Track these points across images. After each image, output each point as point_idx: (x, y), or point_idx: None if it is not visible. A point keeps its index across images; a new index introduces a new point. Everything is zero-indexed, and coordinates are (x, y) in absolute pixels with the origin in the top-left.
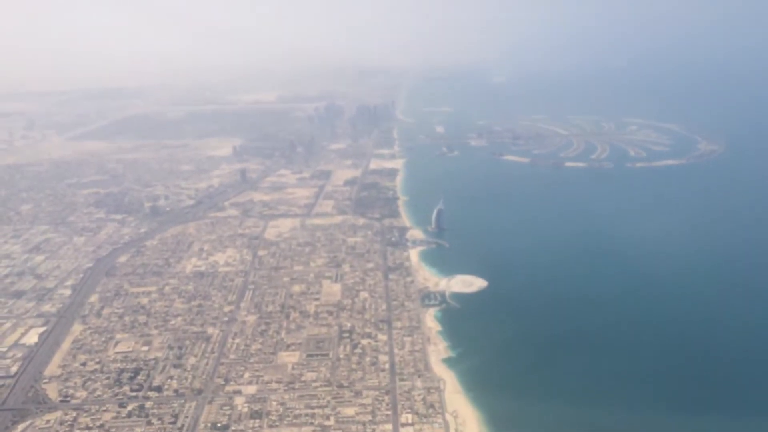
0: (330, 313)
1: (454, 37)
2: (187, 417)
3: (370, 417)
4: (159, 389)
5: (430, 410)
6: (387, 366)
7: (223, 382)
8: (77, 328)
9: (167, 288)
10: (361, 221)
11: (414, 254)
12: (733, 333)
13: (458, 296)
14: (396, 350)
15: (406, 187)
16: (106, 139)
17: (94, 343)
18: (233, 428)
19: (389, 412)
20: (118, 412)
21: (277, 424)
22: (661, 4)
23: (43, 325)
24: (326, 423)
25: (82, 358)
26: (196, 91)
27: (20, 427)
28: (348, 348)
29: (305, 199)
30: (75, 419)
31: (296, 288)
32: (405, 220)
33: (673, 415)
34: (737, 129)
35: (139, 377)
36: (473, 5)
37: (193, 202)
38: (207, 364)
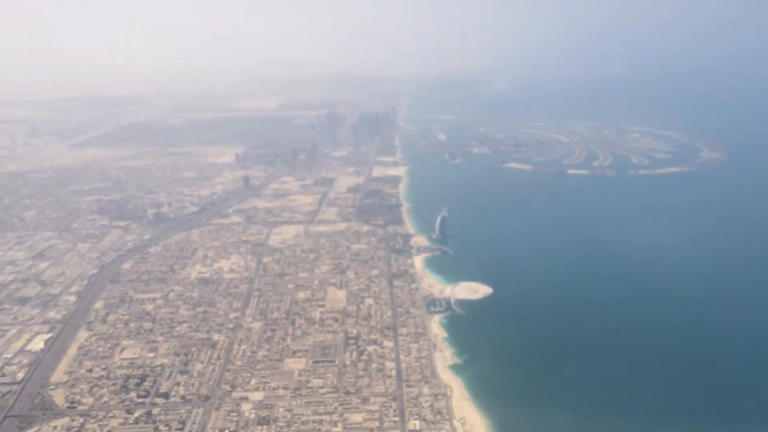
0: (335, 319)
1: (455, 44)
2: (194, 423)
3: (377, 423)
4: (166, 395)
5: (438, 417)
6: (393, 372)
7: (229, 389)
8: (83, 334)
9: (172, 294)
10: (365, 228)
11: (418, 261)
12: (737, 339)
13: (463, 303)
14: (402, 357)
15: (409, 195)
16: (108, 146)
17: (100, 349)
18: None
19: (397, 419)
20: (126, 419)
21: (285, 430)
22: (662, 11)
23: (48, 332)
24: (334, 429)
25: (89, 364)
26: (196, 98)
27: None
28: (354, 354)
29: (308, 206)
30: (82, 425)
31: (301, 294)
32: (409, 227)
33: (679, 423)
34: (738, 136)
35: (146, 383)
36: (474, 12)
37: (197, 209)
38: (213, 370)
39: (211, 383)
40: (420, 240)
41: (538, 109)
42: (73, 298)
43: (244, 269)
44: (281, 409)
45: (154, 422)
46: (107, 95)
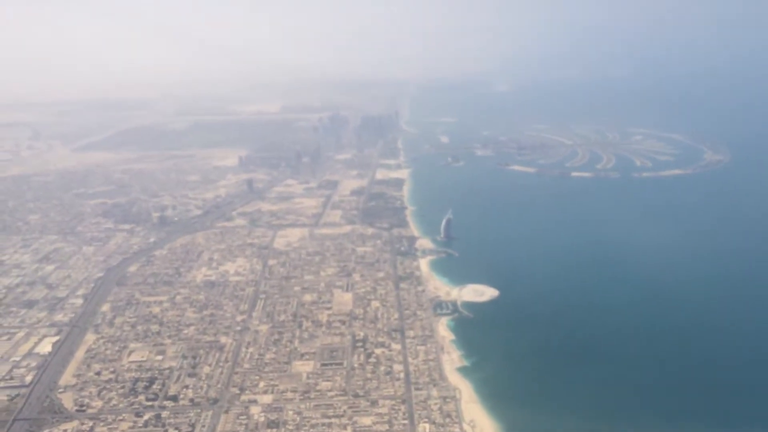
0: (342, 322)
1: (454, 44)
2: (204, 426)
3: (387, 426)
4: (175, 398)
5: (447, 420)
6: (402, 375)
7: (238, 392)
8: (90, 337)
9: (178, 297)
10: (370, 231)
11: (424, 263)
12: (743, 341)
13: (470, 305)
14: (410, 359)
15: (413, 197)
16: (111, 149)
17: (108, 352)
18: None
19: (406, 422)
20: (135, 422)
21: None
22: (663, 12)
23: (56, 335)
24: None
25: (97, 367)
26: (198, 102)
27: None
28: (362, 357)
29: (313, 209)
30: (92, 429)
31: (307, 297)
32: (413, 229)
33: (687, 426)
34: (741, 138)
35: (154, 386)
36: (473, 13)
37: (201, 212)
38: (221, 373)
39: (219, 386)
40: (425, 242)
41: (540, 111)
42: (79, 301)
43: (250, 272)
44: (290, 412)
45: (164, 425)
46: (109, 98)
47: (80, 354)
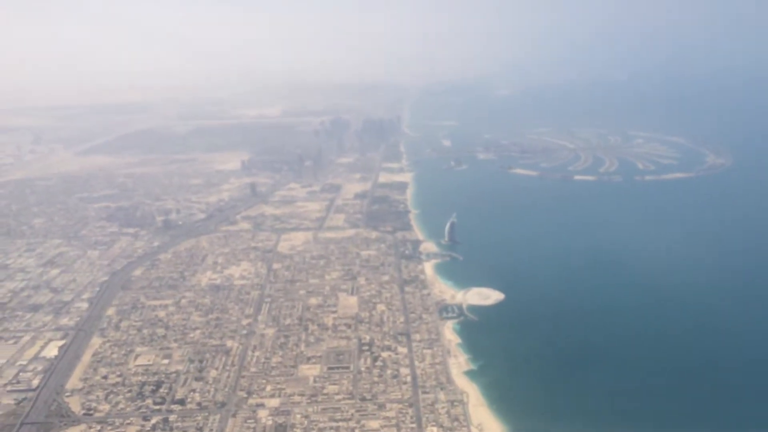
0: (348, 325)
1: (455, 50)
2: (211, 430)
3: (395, 430)
4: (182, 402)
5: (455, 423)
6: (409, 379)
7: (245, 395)
8: (96, 341)
9: (184, 301)
10: (374, 234)
11: (429, 267)
12: (749, 343)
13: (476, 309)
14: (417, 363)
15: (416, 201)
16: (114, 153)
17: (114, 356)
18: None
19: (414, 425)
20: (143, 426)
21: None
22: (662, 14)
23: (62, 338)
24: None
25: (103, 371)
26: (199, 106)
27: None
28: (369, 361)
29: (316, 212)
30: None
31: (313, 301)
32: (417, 233)
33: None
34: (743, 141)
35: (162, 390)
36: (473, 18)
37: (205, 215)
38: (228, 377)
39: (226, 390)
40: (429, 246)
41: (541, 114)
42: (85, 305)
43: (255, 276)
44: (298, 416)
45: (171, 429)
46: (110, 102)
47: (87, 358)
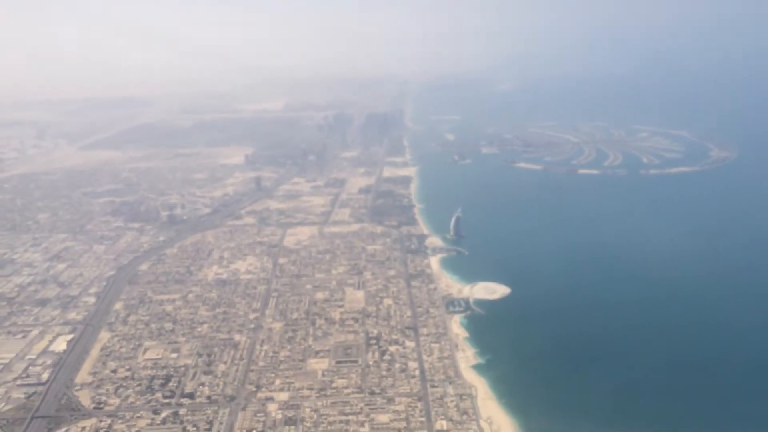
0: (355, 319)
1: (458, 44)
2: (221, 423)
3: (404, 424)
4: (191, 396)
5: (464, 417)
6: (417, 373)
7: (254, 389)
8: (105, 335)
9: (191, 295)
10: (379, 229)
11: (434, 261)
12: (754, 339)
13: (482, 303)
14: (425, 357)
15: (421, 195)
16: (117, 147)
17: (123, 350)
18: None
19: (423, 419)
20: (153, 419)
21: (313, 430)
22: (662, 11)
23: (70, 333)
24: (361, 430)
25: (112, 365)
26: (202, 100)
27: None
28: (377, 355)
29: (321, 207)
30: (110, 426)
31: (319, 295)
32: (423, 227)
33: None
34: (747, 135)
35: (171, 384)
36: (475, 13)
37: (210, 210)
38: (237, 370)
39: (235, 384)
40: (435, 240)
41: (544, 108)
42: (92, 300)
43: (261, 270)
44: (307, 410)
45: (182, 422)
46: (113, 97)
47: (95, 352)
